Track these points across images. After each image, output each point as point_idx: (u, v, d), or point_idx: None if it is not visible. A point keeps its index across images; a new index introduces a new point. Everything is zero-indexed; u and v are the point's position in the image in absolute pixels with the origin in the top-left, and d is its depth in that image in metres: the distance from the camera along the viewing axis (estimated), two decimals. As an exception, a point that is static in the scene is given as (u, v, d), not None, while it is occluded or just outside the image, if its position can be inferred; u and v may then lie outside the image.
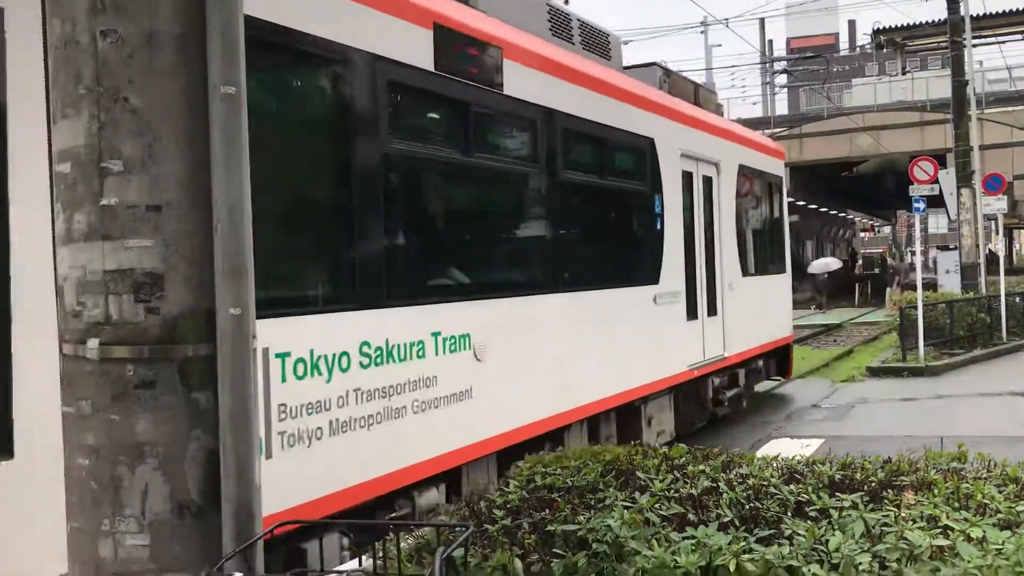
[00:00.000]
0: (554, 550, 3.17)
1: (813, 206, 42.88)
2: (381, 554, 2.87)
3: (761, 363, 12.20)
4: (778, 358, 13.02)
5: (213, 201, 2.16)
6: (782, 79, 40.24)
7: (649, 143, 8.54)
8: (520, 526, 3.32)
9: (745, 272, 11.25)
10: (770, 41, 70.34)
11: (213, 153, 2.15)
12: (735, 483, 3.59)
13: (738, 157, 11.37)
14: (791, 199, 38.32)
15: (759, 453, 4.42)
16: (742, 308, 10.87)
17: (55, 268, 2.35)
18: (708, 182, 10.26)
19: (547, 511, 3.42)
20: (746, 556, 2.86)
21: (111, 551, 2.16)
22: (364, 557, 3.75)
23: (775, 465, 3.94)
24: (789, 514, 3.26)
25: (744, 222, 11.46)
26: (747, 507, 3.33)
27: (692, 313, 9.47)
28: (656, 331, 8.50)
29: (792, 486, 3.51)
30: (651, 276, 8.49)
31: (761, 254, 12.32)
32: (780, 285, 13.14)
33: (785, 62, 45.40)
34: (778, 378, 13.36)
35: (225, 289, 2.18)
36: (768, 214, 12.95)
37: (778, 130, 35.92)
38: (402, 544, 3.03)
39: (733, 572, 2.83)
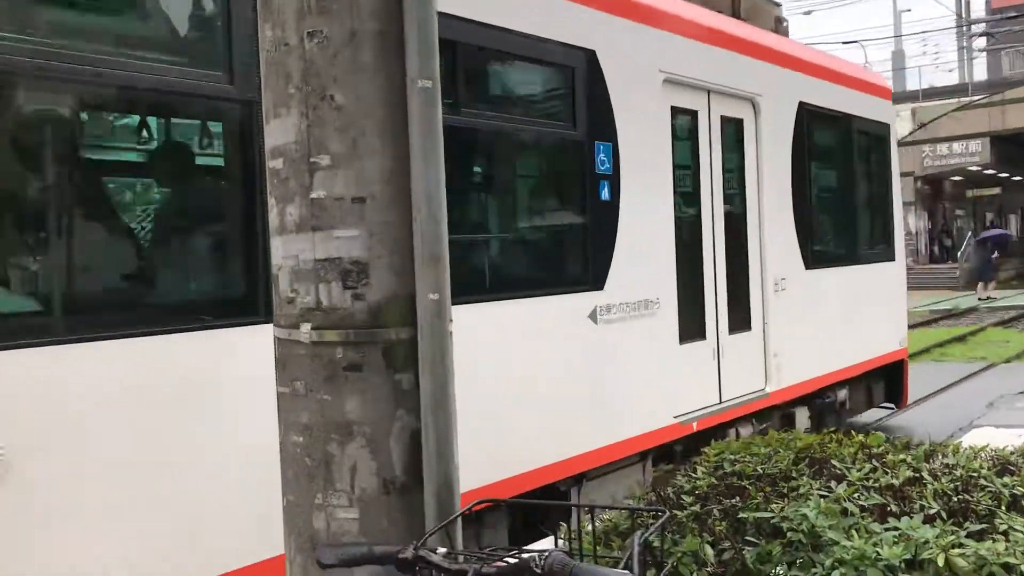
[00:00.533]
0: (746, 538, 3.11)
1: (1017, 178, 39.72)
2: (571, 535, 2.91)
3: (844, 393, 8.55)
4: (886, 380, 9.58)
5: (412, 191, 2.25)
6: (981, 43, 37.44)
7: (584, 58, 5.37)
8: (710, 513, 3.29)
9: (812, 263, 7.85)
10: (967, 1, 65.48)
11: (412, 145, 2.23)
12: (940, 474, 3.41)
13: (798, 91, 7.76)
14: (991, 171, 35.66)
15: (963, 443, 4.16)
16: (805, 315, 7.64)
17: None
18: (735, 128, 7.00)
19: (737, 498, 3.37)
20: (956, 551, 2.72)
21: (324, 523, 2.30)
22: (553, 538, 3.81)
23: (984, 455, 3.71)
24: (1003, 508, 3.07)
25: (811, 190, 8.04)
26: (955, 499, 3.16)
27: (693, 331, 6.35)
28: (599, 365, 5.46)
29: (1006, 478, 3.29)
30: (585, 276, 5.42)
31: (847, 236, 8.90)
32: (885, 278, 9.35)
33: (984, 24, 42.17)
34: (889, 406, 9.96)
35: (424, 275, 2.27)
36: (862, 178, 9.22)
37: (976, 97, 33.49)
38: (591, 527, 3.06)
39: (941, 567, 2.69)
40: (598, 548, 3.12)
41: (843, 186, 8.97)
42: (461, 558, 2.02)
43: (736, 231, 6.93)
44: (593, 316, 5.39)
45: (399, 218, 2.28)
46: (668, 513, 2.14)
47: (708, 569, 3.00)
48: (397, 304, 2.30)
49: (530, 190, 5.55)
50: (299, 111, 2.25)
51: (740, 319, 6.90)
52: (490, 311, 4.70)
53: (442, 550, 1.99)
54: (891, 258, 9.52)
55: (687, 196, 6.43)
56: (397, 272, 2.30)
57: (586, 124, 5.43)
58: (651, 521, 3.09)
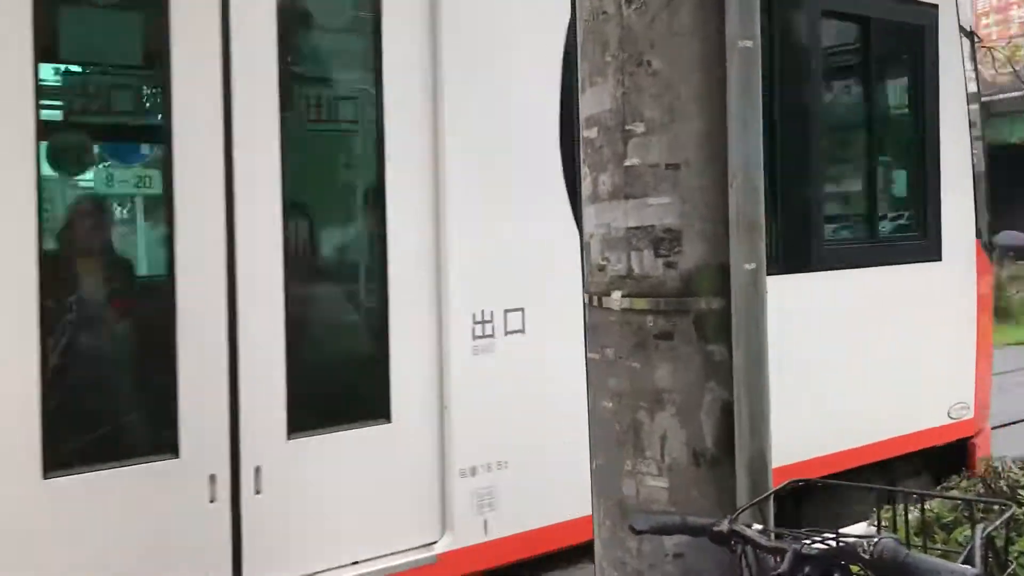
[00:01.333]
0: (1100, 544, 2.76)
1: None
2: (885, 523, 2.73)
3: None
4: (934, 470, 5.36)
5: (728, 156, 2.19)
6: None
7: None
8: (1052, 512, 2.95)
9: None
10: None
11: (729, 108, 2.17)
12: None
13: None
14: None
15: None
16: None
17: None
18: None
19: (1087, 498, 2.99)
20: None
21: (633, 490, 2.31)
22: (867, 523, 3.61)
23: None
24: None
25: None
26: None
27: (115, 446, 3.19)
28: None
29: None
30: None
31: (783, 219, 4.79)
32: (911, 291, 5.30)
33: None
34: None
35: (739, 244, 2.20)
36: (842, 110, 5.46)
37: None
38: (904, 518, 2.85)
39: None
40: (918, 539, 2.91)
41: (776, 123, 4.75)
42: (773, 535, 1.96)
43: (335, 206, 3.89)
44: None
45: (712, 184, 2.23)
46: (1012, 508, 1.93)
47: (1050, 574, 2.69)
48: (709, 273, 2.25)
49: None
50: (615, 79, 2.25)
51: (344, 398, 3.65)
52: None
53: (757, 526, 1.93)
54: (930, 255, 5.43)
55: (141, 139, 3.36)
56: (709, 240, 2.25)
57: None
58: (982, 515, 2.83)
